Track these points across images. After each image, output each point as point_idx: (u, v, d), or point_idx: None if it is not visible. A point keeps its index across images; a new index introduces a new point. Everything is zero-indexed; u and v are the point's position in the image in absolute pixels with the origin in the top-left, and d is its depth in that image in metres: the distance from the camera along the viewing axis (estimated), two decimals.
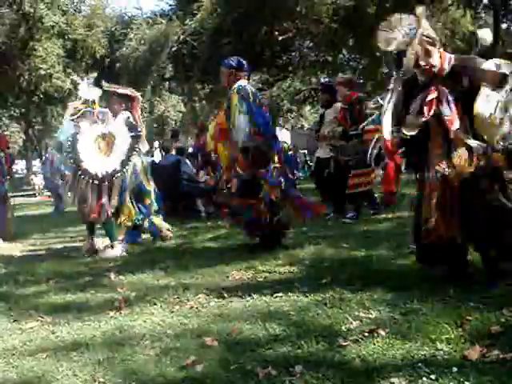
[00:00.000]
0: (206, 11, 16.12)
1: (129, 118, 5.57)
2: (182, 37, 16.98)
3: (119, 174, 5.42)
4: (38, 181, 18.74)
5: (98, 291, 4.10)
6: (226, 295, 3.67)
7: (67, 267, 5.16)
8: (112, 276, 4.54)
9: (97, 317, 3.44)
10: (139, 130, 5.68)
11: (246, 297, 3.60)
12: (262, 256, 4.74)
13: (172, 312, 3.42)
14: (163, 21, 18.11)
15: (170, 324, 3.21)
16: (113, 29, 20.74)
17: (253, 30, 14.91)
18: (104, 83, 5.90)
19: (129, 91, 5.94)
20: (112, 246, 5.65)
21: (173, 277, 4.38)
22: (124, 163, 5.44)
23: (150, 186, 5.88)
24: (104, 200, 5.36)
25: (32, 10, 16.96)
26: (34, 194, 18.18)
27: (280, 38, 15.99)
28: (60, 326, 3.33)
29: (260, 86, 21.36)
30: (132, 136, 5.51)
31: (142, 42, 18.20)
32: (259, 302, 3.43)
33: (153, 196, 5.94)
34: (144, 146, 5.89)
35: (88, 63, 20.57)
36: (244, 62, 5.11)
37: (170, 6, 20.28)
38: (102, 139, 5.45)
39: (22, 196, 16.00)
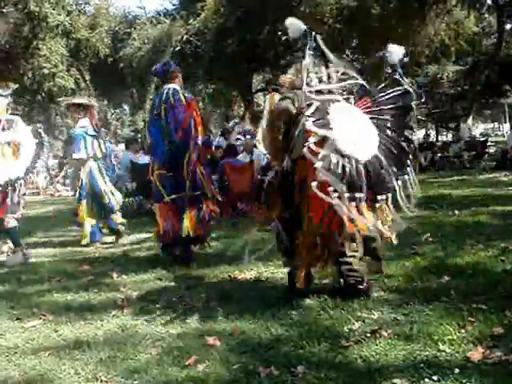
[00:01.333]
0: (209, 11, 16.13)
1: (38, 129, 5.75)
2: (185, 36, 17.00)
3: (21, 181, 5.44)
4: (41, 179, 18.74)
5: (101, 290, 4.11)
6: (228, 295, 3.67)
7: (70, 266, 5.17)
8: (114, 275, 4.54)
9: (99, 316, 3.45)
10: (93, 134, 6.22)
11: (248, 297, 3.60)
12: (264, 257, 4.73)
13: (174, 311, 3.42)
14: (167, 20, 18.13)
15: (171, 323, 3.21)
16: (116, 28, 20.77)
17: (256, 30, 14.92)
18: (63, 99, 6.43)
19: (85, 100, 6.48)
20: (14, 252, 5.51)
21: (175, 276, 4.38)
22: (28, 171, 5.51)
23: (106, 186, 6.33)
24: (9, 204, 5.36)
25: (37, 9, 16.99)
26: (38, 193, 18.20)
27: (283, 38, 15.99)
28: (62, 325, 3.34)
29: (263, 85, 21.34)
30: (37, 143, 5.62)
31: (146, 41, 18.22)
32: (261, 302, 3.43)
33: (111, 195, 6.31)
34: (101, 150, 6.33)
35: (91, 62, 20.61)
36: (158, 66, 5.13)
37: (174, 5, 20.32)
38: (8, 146, 5.43)
39: (25, 195, 16.06)
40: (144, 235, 6.69)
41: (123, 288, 4.11)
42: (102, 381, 2.50)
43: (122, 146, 12.37)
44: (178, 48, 17.08)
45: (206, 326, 3.11)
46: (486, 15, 19.48)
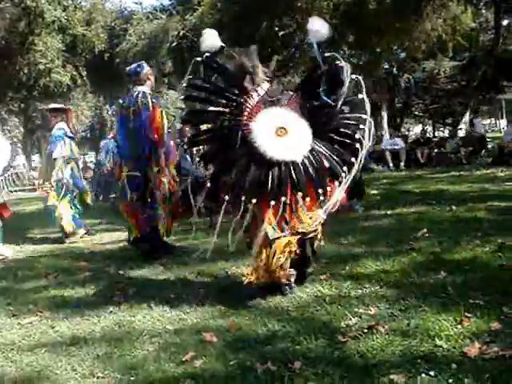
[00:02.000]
0: (206, 6, 16.08)
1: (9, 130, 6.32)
2: (181, 32, 16.94)
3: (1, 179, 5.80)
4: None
5: (97, 286, 4.10)
6: (224, 291, 3.67)
7: (66, 262, 5.17)
8: (111, 271, 4.54)
9: (96, 312, 3.44)
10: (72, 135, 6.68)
11: (245, 293, 3.59)
12: None
13: (171, 307, 3.41)
14: (163, 16, 18.06)
15: (168, 319, 3.21)
16: (112, 24, 20.69)
17: (253, 26, 14.87)
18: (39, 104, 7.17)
19: (61, 105, 7.07)
20: None
21: (172, 272, 4.38)
22: (6, 170, 5.91)
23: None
24: None
25: (33, 5, 16.92)
26: (34, 189, 18.18)
27: (280, 34, 15.96)
28: (59, 321, 3.33)
29: None
30: (11, 143, 6.07)
31: (142, 36, 18.16)
32: (258, 298, 3.42)
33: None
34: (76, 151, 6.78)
35: (87, 58, 20.53)
36: (132, 67, 5.29)
37: (170, 0, 20.22)
38: None
39: (22, 191, 16.02)
40: None
41: (120, 284, 4.11)
42: (98, 377, 2.50)
43: None
44: (175, 43, 17.03)
45: (203, 322, 3.11)
46: (483, 10, 19.45)
